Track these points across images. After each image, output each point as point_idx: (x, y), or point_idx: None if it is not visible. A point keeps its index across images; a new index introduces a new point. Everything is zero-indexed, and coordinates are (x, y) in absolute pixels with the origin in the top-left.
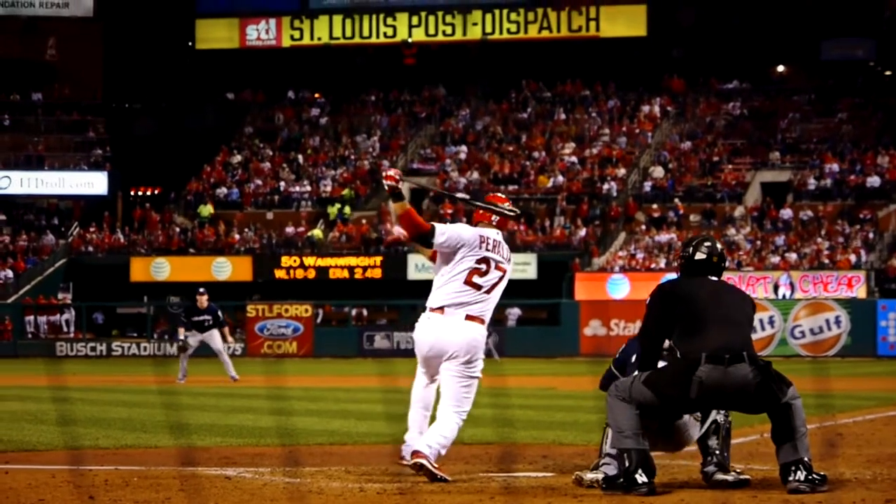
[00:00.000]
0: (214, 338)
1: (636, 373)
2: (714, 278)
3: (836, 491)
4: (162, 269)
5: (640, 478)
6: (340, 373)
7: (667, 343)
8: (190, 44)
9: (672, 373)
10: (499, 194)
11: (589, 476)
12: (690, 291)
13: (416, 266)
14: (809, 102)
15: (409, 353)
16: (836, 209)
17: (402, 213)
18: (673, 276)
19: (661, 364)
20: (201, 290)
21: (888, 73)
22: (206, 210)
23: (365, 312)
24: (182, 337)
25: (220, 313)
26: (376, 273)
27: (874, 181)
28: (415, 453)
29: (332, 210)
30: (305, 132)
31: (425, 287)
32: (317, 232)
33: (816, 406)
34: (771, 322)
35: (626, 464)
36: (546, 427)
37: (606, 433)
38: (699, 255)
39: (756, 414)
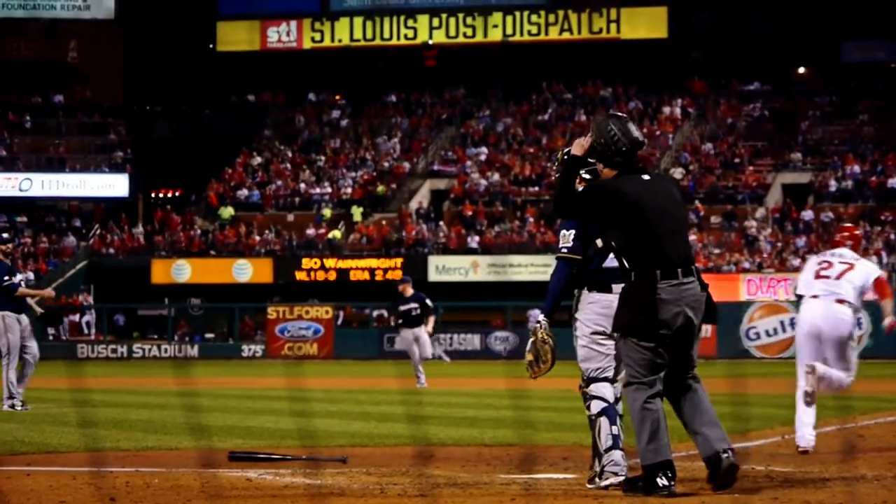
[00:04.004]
0: (424, 343)
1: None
2: (646, 177)
3: (857, 492)
4: (183, 271)
5: (661, 481)
6: (361, 374)
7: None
8: (211, 46)
9: (634, 302)
10: (847, 224)
11: (604, 485)
12: (634, 196)
13: (437, 268)
14: (830, 104)
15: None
16: (857, 211)
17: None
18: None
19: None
20: (405, 278)
21: None
22: (227, 212)
23: (385, 314)
24: (396, 322)
25: (427, 301)
26: (397, 275)
27: (895, 183)
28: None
29: (357, 211)
30: (326, 134)
31: (446, 289)
32: (335, 232)
33: (837, 408)
34: (792, 324)
35: (645, 466)
36: (567, 429)
37: (599, 425)
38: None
39: (696, 334)
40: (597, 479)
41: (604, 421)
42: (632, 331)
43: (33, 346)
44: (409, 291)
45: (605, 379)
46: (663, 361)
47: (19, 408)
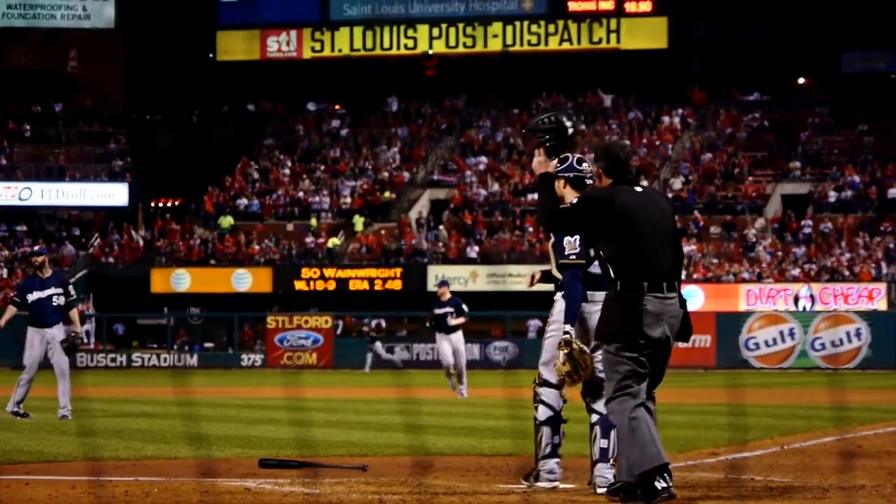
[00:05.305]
0: (460, 353)
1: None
2: (639, 189)
3: (856, 503)
4: (182, 280)
5: (660, 484)
6: (360, 384)
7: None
8: (211, 55)
9: (621, 311)
10: None
11: (539, 485)
12: (625, 207)
13: (437, 278)
14: (830, 114)
15: (429, 365)
16: (856, 221)
17: None
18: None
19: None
20: (444, 281)
21: None
22: (227, 221)
23: (384, 324)
24: (430, 324)
25: (463, 306)
26: (396, 285)
27: (895, 193)
28: None
29: (359, 221)
30: (326, 143)
31: None
32: (334, 240)
33: (836, 418)
34: (791, 334)
35: (641, 474)
36: (566, 439)
37: (542, 433)
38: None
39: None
40: (531, 479)
41: (546, 430)
42: (618, 338)
43: (57, 359)
44: (447, 295)
45: (554, 385)
46: (646, 371)
47: (20, 416)
